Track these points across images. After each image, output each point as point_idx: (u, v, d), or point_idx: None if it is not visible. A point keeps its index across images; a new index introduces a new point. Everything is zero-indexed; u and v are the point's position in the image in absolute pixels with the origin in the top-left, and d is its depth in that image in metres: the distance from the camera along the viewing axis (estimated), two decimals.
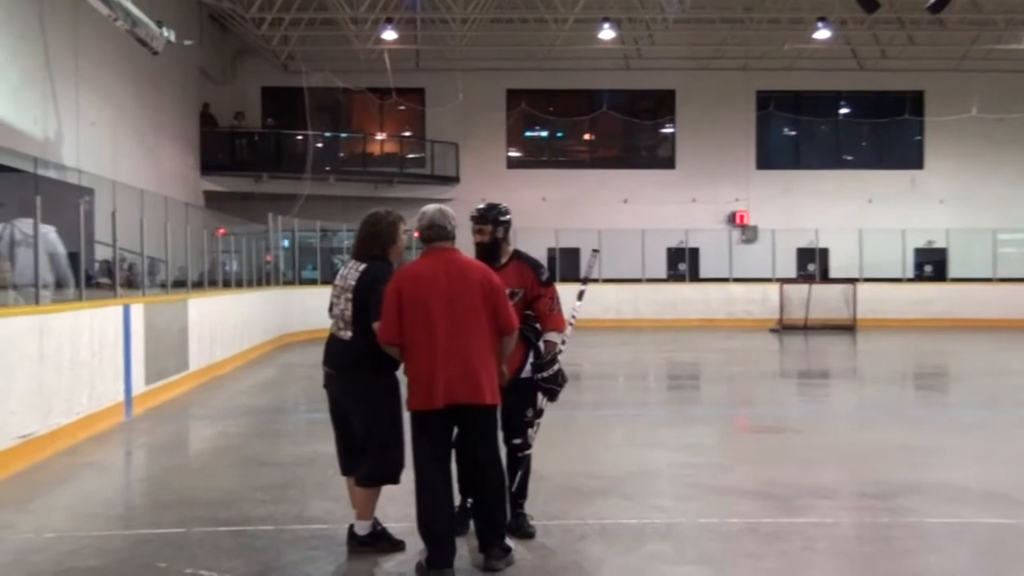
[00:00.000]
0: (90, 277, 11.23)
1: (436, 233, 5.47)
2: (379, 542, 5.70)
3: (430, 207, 5.56)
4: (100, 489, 7.94)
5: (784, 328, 25.22)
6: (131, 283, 12.83)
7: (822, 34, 26.40)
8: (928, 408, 13.12)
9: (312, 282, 25.45)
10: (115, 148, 19.77)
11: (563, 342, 6.19)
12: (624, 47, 29.68)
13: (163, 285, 13.76)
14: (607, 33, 26.72)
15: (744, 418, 12.05)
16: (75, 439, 9.16)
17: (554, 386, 6.04)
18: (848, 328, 25.09)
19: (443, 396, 5.23)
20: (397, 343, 5.30)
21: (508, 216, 6.10)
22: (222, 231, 19.58)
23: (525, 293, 6.04)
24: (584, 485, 7.43)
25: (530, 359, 6.02)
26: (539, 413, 6.05)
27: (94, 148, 18.31)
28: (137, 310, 11.37)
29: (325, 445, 9.36)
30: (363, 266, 5.63)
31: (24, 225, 9.80)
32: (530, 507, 6.63)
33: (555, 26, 27.47)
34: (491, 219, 6.00)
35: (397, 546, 5.71)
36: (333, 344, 5.70)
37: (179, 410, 11.89)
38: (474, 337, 5.33)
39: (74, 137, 17.47)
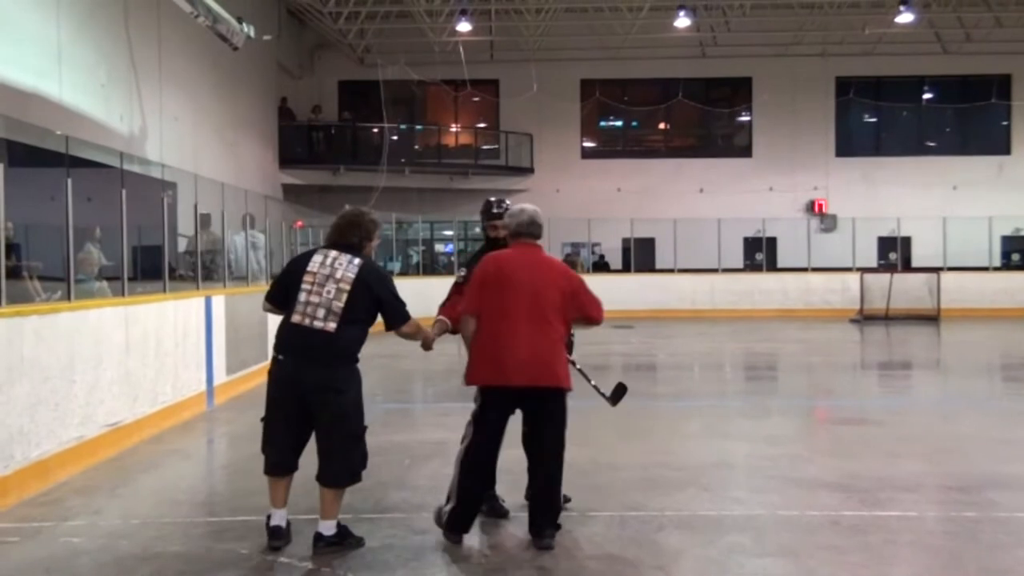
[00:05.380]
0: (172, 269, 11.48)
1: (533, 230, 5.79)
2: (345, 540, 5.65)
3: (528, 206, 5.89)
4: (184, 476, 8.11)
5: (865, 318, 24.77)
6: (212, 275, 13.06)
7: (904, 18, 25.85)
8: (1015, 400, 12.77)
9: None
10: (196, 143, 20.15)
11: None
12: (700, 34, 29.41)
13: (243, 277, 14.00)
14: (682, 21, 26.51)
15: (824, 409, 11.86)
16: (160, 427, 9.37)
17: None
18: (931, 318, 24.54)
19: (519, 377, 5.49)
20: (475, 315, 5.64)
21: None
22: (300, 223, 19.86)
23: None
24: (661, 476, 7.38)
25: None
26: None
27: (176, 143, 18.69)
28: (218, 301, 11.59)
29: (401, 435, 9.47)
30: (357, 259, 5.54)
31: (254, 237, 13.79)
32: (608, 498, 6.65)
33: (630, 15, 27.32)
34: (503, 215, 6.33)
35: (360, 542, 5.68)
36: (310, 335, 5.40)
37: (259, 400, 11.90)
38: (549, 329, 5.60)
39: (157, 132, 17.85)
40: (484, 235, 6.58)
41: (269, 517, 5.69)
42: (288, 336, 5.52)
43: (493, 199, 6.62)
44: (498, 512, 6.21)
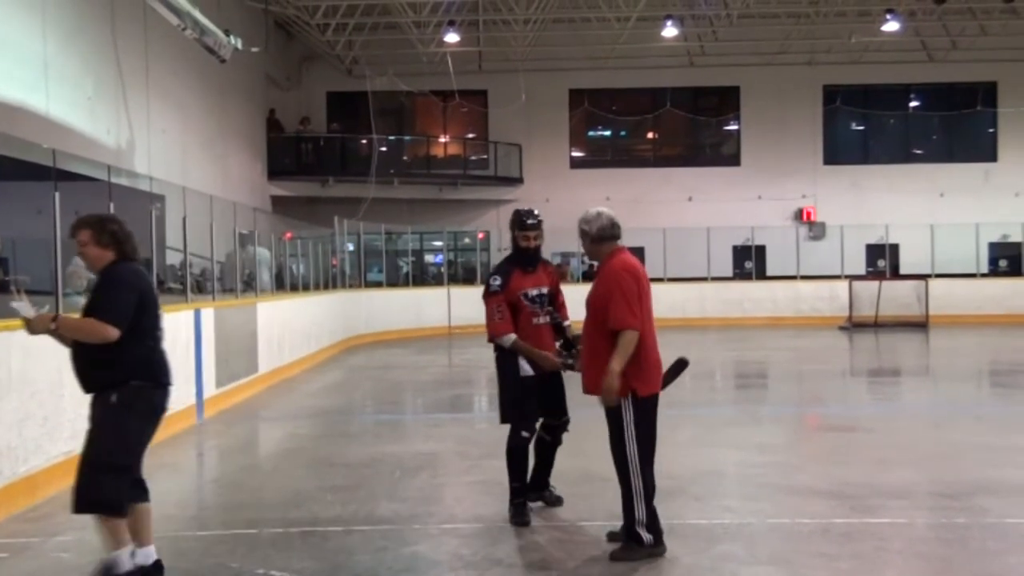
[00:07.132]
0: (161, 282, 11.45)
1: (618, 232, 5.85)
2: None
3: (604, 209, 5.87)
4: (174, 490, 8.05)
5: (854, 326, 24.83)
6: (201, 287, 13.03)
7: (891, 26, 25.98)
8: (1004, 406, 12.81)
9: (377, 284, 25.70)
10: (185, 155, 20.12)
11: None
12: (687, 44, 29.51)
13: (232, 289, 13.96)
14: (670, 30, 26.58)
15: (814, 417, 11.88)
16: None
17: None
18: (920, 325, 24.64)
19: (661, 381, 5.74)
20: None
21: None
22: (289, 235, 19.84)
23: (551, 290, 6.56)
24: None
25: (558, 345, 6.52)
26: None
27: (164, 156, 18.66)
28: (207, 314, 11.55)
29: (392, 446, 9.46)
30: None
31: (260, 252, 15.22)
32: (598, 508, 6.64)
33: (618, 24, 27.40)
34: (540, 225, 6.48)
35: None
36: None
37: (249, 412, 12.05)
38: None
39: (145, 145, 17.82)
40: (514, 245, 6.44)
41: (134, 555, 5.23)
42: (163, 365, 5.36)
43: (524, 209, 6.52)
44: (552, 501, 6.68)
